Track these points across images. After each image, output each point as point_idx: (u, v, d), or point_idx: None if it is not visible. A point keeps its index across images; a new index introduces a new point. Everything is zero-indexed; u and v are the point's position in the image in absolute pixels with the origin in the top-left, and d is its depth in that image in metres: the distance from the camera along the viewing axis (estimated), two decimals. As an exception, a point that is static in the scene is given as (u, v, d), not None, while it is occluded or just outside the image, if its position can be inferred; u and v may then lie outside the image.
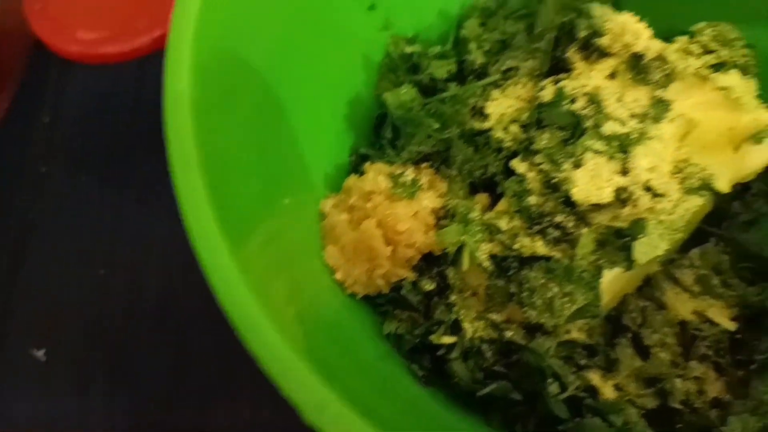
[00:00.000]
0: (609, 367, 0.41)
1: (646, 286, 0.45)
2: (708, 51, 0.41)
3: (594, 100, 0.37)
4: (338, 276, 0.43)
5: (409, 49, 0.52)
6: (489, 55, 0.49)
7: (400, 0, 0.51)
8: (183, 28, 0.34)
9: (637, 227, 0.37)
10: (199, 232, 0.28)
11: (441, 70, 0.49)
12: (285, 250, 0.39)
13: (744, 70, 0.39)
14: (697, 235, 0.46)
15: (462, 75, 0.50)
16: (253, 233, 0.32)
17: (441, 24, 0.54)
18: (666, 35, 0.49)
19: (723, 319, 0.43)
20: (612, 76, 0.38)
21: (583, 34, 0.41)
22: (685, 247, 0.46)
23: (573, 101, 0.38)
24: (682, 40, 0.42)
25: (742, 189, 0.47)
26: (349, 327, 0.42)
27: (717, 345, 0.43)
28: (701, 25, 0.42)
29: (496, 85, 0.46)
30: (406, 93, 0.48)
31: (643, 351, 0.42)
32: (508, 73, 0.46)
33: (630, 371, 0.41)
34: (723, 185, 0.38)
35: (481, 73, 0.48)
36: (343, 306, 0.43)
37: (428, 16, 0.53)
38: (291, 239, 0.41)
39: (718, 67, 0.40)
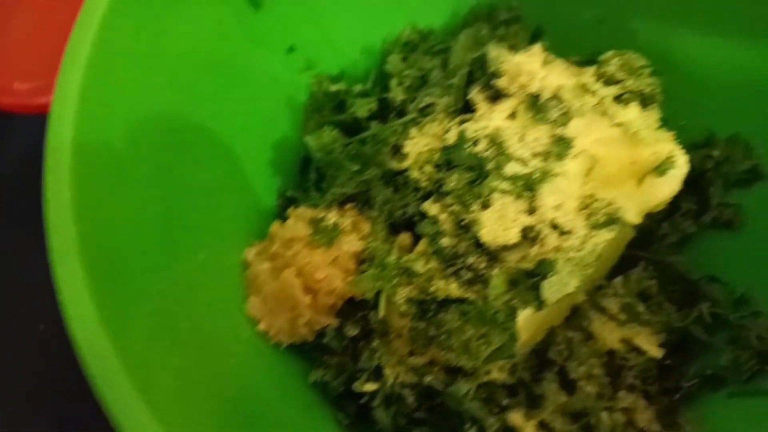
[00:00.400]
0: (534, 404, 0.41)
1: (574, 317, 0.45)
2: (615, 81, 0.41)
3: (495, 141, 0.37)
4: (262, 327, 0.43)
5: (333, 88, 0.52)
6: (409, 91, 0.49)
7: (319, 40, 0.51)
8: (68, 88, 0.34)
9: (543, 266, 0.37)
10: (77, 320, 0.28)
11: (362, 108, 0.49)
12: (198, 308, 0.39)
13: (648, 100, 0.39)
14: (627, 260, 0.46)
15: (385, 113, 0.50)
16: (146, 303, 0.32)
17: (365, 60, 0.54)
18: (593, 61, 0.50)
19: (650, 346, 0.43)
20: (512, 116, 0.38)
21: (492, 70, 0.41)
22: (614, 273, 0.46)
23: (476, 143, 0.38)
24: (589, 71, 0.42)
25: (671, 209, 0.48)
26: (273, 378, 0.42)
27: (644, 373, 0.43)
28: (608, 54, 0.42)
29: (415, 122, 0.46)
30: (327, 135, 0.48)
31: (569, 385, 0.42)
32: (425, 110, 0.46)
33: (555, 407, 0.40)
34: (632, 217, 0.38)
35: (402, 110, 0.48)
36: (268, 357, 0.43)
37: (351, 53, 0.53)
38: (207, 295, 0.40)
39: (626, 96, 0.40)
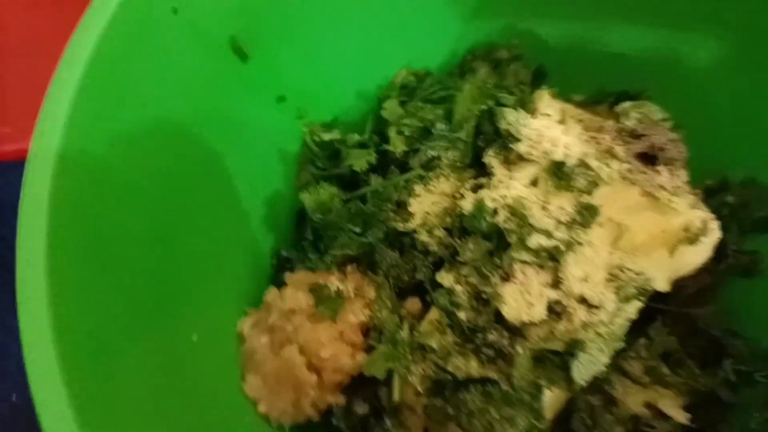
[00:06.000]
0: (561, 483, 0.38)
1: (594, 380, 0.42)
2: (637, 136, 0.38)
3: (516, 213, 0.34)
4: (262, 408, 0.39)
5: (327, 137, 0.48)
6: (410, 141, 0.45)
7: (311, 86, 0.47)
8: (45, 145, 0.29)
9: (573, 346, 0.34)
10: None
11: (361, 161, 0.46)
12: (190, 395, 0.35)
13: (673, 163, 0.37)
14: (645, 313, 0.43)
15: (385, 163, 0.46)
16: (129, 396, 0.29)
17: (360, 105, 0.50)
18: (596, 97, 0.47)
19: (675, 410, 0.41)
20: (533, 182, 0.35)
21: (503, 126, 0.39)
22: (632, 326, 0.43)
23: (495, 212, 0.36)
24: (609, 126, 0.39)
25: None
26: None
27: (672, 440, 0.40)
28: (626, 105, 0.40)
29: (419, 178, 0.43)
30: (325, 191, 0.44)
31: (595, 457, 0.40)
32: (430, 164, 0.43)
33: (582, 484, 0.38)
34: (662, 285, 0.36)
35: (404, 162, 0.45)
36: (271, 441, 0.39)
37: (345, 98, 0.50)
38: (201, 378, 0.37)
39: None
